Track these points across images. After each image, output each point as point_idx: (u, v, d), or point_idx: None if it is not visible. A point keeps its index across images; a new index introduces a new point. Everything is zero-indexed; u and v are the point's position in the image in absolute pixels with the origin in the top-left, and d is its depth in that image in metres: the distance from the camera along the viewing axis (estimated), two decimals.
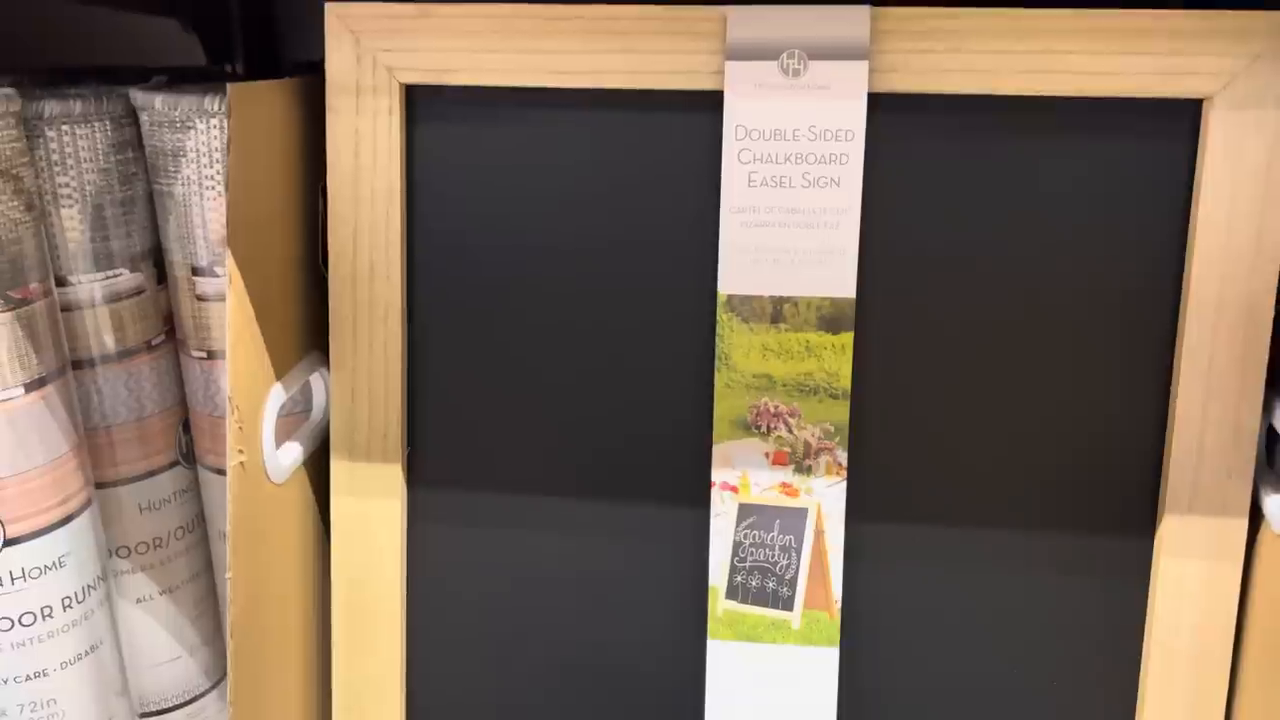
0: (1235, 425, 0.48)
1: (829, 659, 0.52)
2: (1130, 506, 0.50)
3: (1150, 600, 0.50)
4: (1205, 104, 0.46)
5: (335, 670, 0.55)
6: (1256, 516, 0.49)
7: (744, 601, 0.52)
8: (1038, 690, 0.51)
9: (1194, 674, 0.50)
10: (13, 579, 0.53)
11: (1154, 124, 0.47)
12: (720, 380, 0.51)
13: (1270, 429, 0.48)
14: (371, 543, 0.54)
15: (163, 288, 0.60)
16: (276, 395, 0.50)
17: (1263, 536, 0.48)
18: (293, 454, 0.52)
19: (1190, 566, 0.49)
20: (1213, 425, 0.48)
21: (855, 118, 0.47)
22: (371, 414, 0.53)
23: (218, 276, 0.58)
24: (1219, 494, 0.49)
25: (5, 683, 0.54)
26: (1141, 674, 0.51)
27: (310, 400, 0.57)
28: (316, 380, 0.56)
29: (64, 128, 0.54)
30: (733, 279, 0.49)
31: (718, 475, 0.51)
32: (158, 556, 0.62)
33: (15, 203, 0.50)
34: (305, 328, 0.54)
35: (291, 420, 0.58)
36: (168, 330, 0.61)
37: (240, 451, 0.47)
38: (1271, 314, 0.47)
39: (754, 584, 0.52)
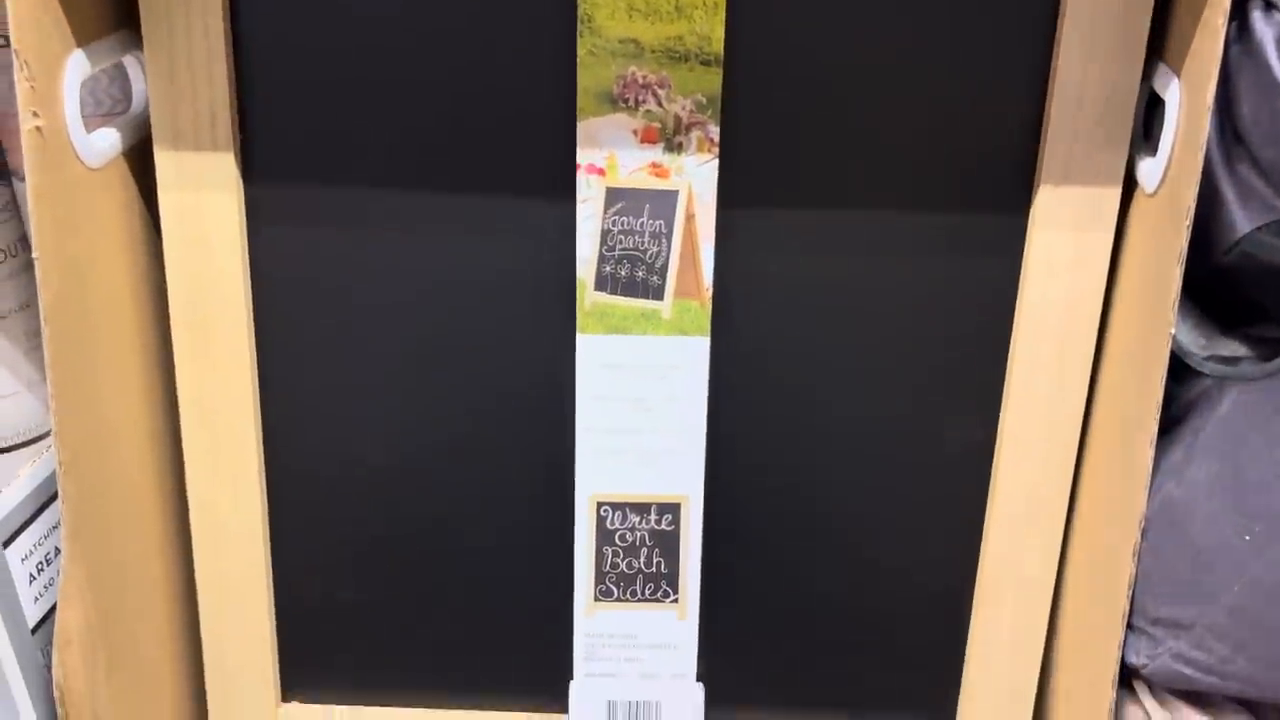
0: (1113, 90, 0.46)
1: (700, 349, 0.51)
2: (1005, 180, 0.48)
3: (1022, 275, 0.49)
4: None
5: (180, 380, 0.51)
6: (1129, 187, 0.48)
7: (613, 293, 0.50)
8: (908, 371, 0.51)
9: (1061, 348, 0.50)
10: None
11: None
12: (583, 46, 0.46)
13: (1151, 94, 0.47)
14: (208, 241, 0.49)
15: None
16: (78, 62, 0.44)
17: (1135, 203, 0.48)
18: (108, 139, 0.47)
19: (1063, 238, 0.48)
20: (1091, 91, 0.46)
21: None
22: (195, 96, 0.47)
23: None
24: (1094, 163, 0.47)
25: None
26: (1010, 351, 0.51)
27: (131, 96, 0.51)
28: (133, 65, 0.50)
29: None
30: None
31: (583, 156, 0.48)
32: None
33: None
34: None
35: (114, 120, 0.52)
36: None
37: (35, 115, 0.41)
38: None
39: (623, 274, 0.50)
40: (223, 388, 0.51)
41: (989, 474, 0.52)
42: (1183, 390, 0.44)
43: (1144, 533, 0.44)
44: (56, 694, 0.46)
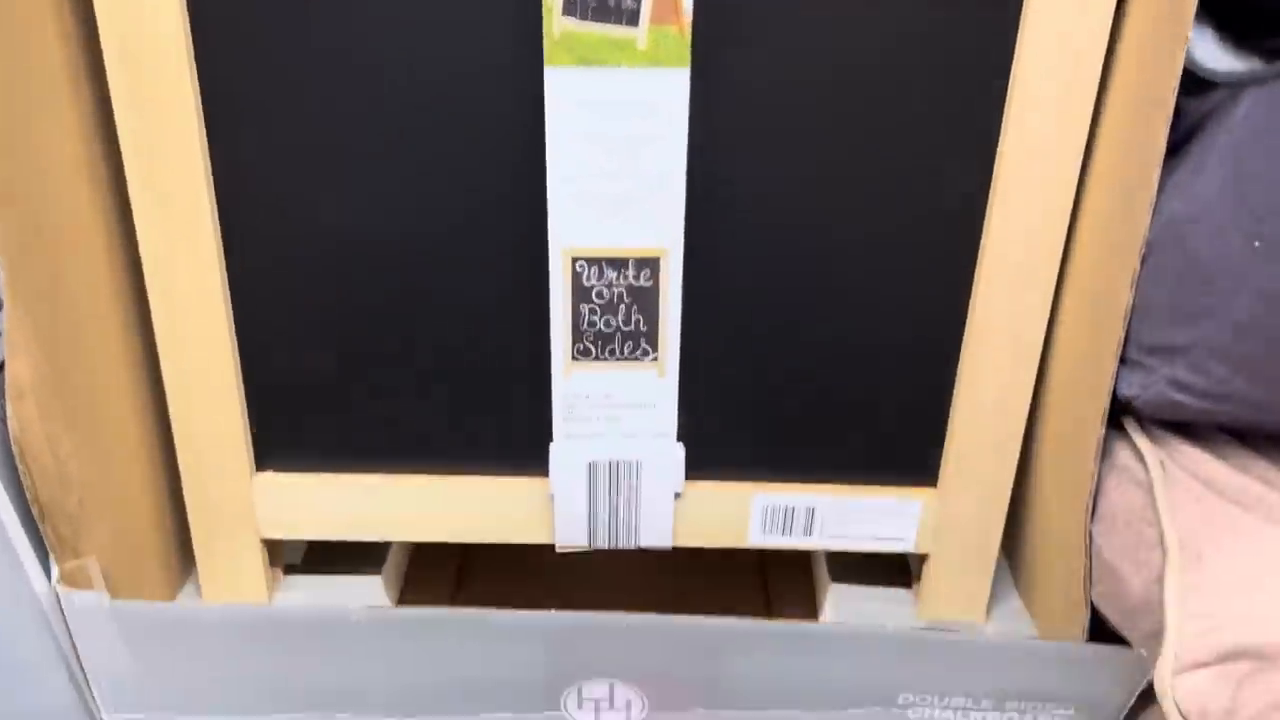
0: None
1: (678, 83, 0.47)
2: None
3: (1020, 30, 0.45)
4: None
5: (121, 126, 0.47)
6: None
7: (583, 18, 0.46)
8: (901, 110, 0.48)
9: (1066, 81, 0.46)
10: None
11: None
12: None
13: None
14: None
15: None
16: None
17: None
18: None
19: None
20: None
21: None
22: None
23: None
24: None
25: None
26: (1009, 87, 0.47)
27: None
28: None
29: None
30: None
31: None
32: None
33: None
34: None
35: None
36: None
37: None
38: None
39: None
40: (166, 137, 0.48)
41: (981, 222, 0.50)
42: (1193, 107, 0.41)
43: (1144, 259, 0.41)
44: (15, 448, 0.45)
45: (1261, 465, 0.44)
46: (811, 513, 0.57)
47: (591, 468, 0.55)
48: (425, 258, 0.51)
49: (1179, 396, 0.42)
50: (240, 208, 0.50)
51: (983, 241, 0.50)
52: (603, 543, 0.57)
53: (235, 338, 0.53)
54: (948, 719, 0.49)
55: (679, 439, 0.55)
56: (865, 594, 0.59)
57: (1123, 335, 0.42)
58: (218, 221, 0.50)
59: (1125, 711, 0.48)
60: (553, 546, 0.57)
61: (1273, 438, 0.44)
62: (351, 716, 0.51)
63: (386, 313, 0.53)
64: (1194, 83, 0.41)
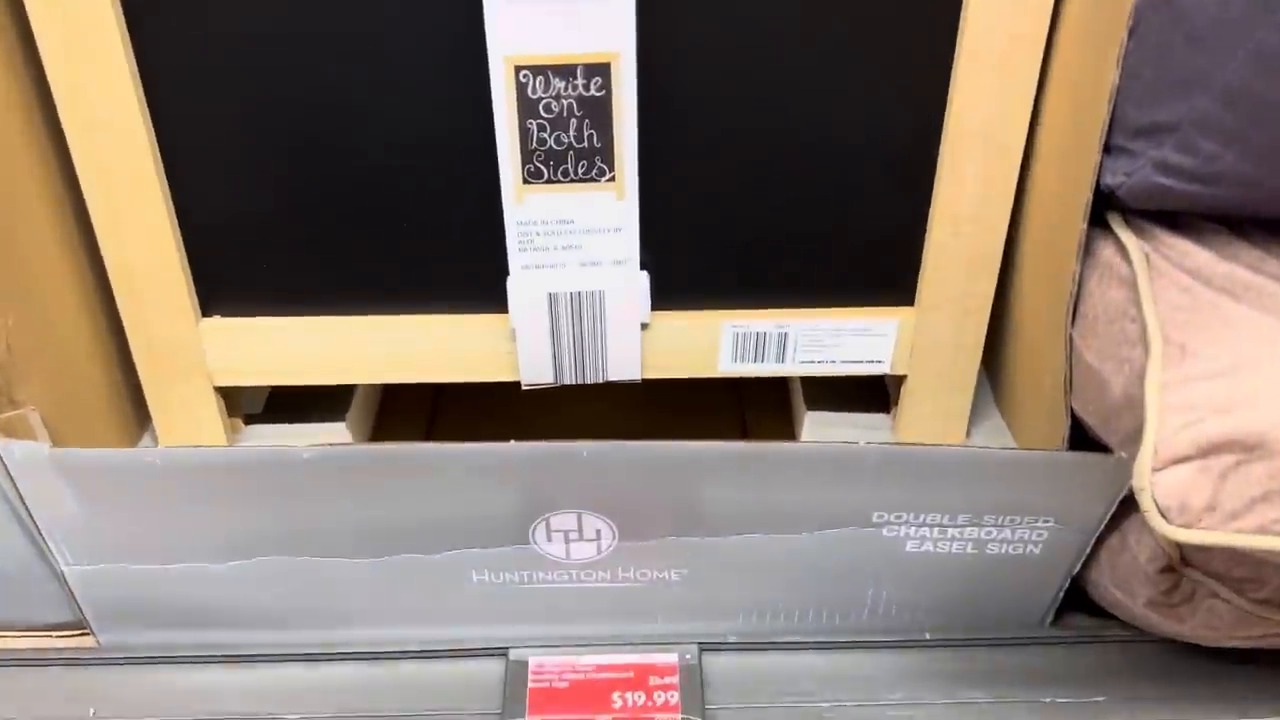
0: None
1: None
2: None
3: None
4: None
5: None
6: None
7: None
8: None
9: None
10: None
11: None
12: None
13: None
14: None
15: None
16: None
17: None
18: None
19: None
20: None
21: None
22: None
23: None
24: None
25: None
26: None
27: None
28: None
29: None
30: None
31: None
32: None
33: None
34: None
35: None
36: None
37: None
38: None
39: None
40: None
41: (958, 17, 0.46)
42: None
43: (1131, 30, 0.38)
44: None
45: (1252, 253, 0.41)
46: (784, 338, 0.55)
47: (552, 299, 0.53)
48: (355, 75, 0.47)
49: (1166, 180, 0.39)
50: (155, 27, 0.46)
51: (959, 40, 0.46)
52: (569, 378, 0.55)
53: (164, 174, 0.49)
54: (924, 535, 0.48)
55: (643, 266, 0.52)
56: (842, 420, 0.57)
57: (1108, 120, 0.39)
58: (129, 43, 0.46)
59: (1105, 521, 0.46)
60: (523, 391, 0.55)
61: (1263, 222, 0.41)
62: (315, 559, 0.50)
63: (321, 141, 0.49)
64: None
